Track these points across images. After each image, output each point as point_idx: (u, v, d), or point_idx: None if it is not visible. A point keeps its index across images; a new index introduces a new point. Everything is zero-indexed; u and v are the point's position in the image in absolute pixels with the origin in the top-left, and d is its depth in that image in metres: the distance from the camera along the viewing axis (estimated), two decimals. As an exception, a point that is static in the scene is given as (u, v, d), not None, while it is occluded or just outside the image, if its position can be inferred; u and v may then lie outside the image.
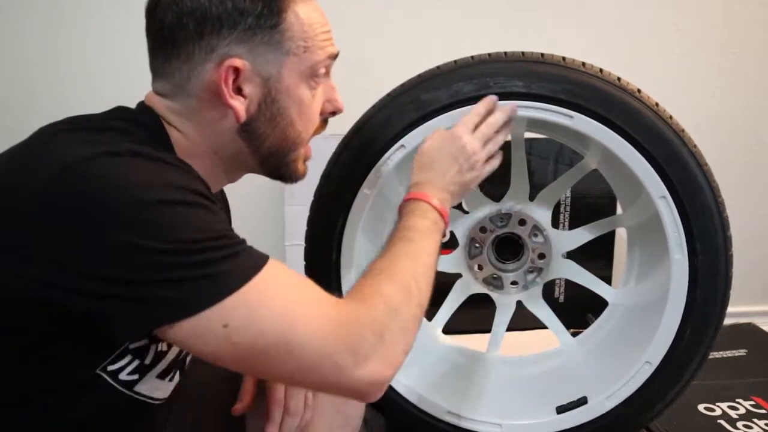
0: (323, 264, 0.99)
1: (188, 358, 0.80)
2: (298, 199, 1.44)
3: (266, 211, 1.60)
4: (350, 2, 1.54)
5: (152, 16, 0.69)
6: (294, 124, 0.73)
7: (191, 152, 0.70)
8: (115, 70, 1.51)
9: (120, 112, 0.70)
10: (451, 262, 1.11)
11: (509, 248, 1.10)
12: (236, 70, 0.67)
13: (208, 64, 0.67)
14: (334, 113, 0.78)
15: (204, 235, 0.58)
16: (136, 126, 0.67)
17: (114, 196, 0.55)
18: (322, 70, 0.74)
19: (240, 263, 0.59)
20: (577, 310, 1.48)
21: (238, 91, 0.69)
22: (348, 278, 0.99)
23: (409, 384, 1.01)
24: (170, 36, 0.67)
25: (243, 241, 0.62)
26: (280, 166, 0.76)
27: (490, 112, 0.87)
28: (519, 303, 1.12)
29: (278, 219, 1.55)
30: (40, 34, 1.50)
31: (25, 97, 1.51)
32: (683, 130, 0.90)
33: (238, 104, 0.69)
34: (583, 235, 1.08)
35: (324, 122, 0.78)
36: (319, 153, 1.39)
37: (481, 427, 1.00)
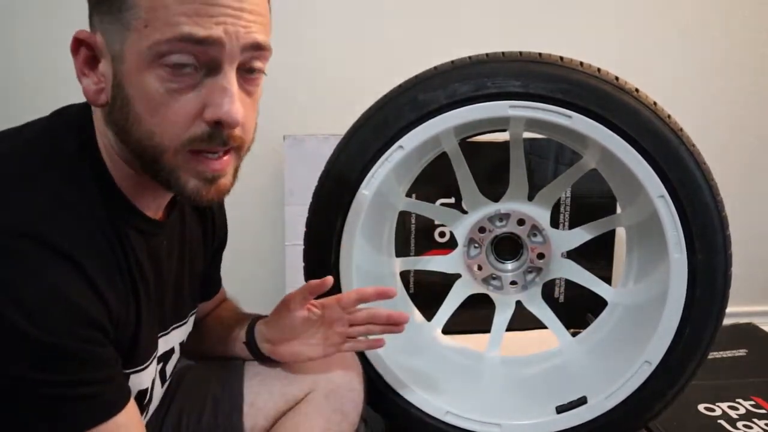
0: (322, 265, 0.99)
1: (167, 369, 0.81)
2: (298, 199, 1.45)
3: (266, 211, 1.60)
4: (349, 2, 1.54)
5: None
6: (141, 121, 0.58)
7: (113, 156, 0.63)
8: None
9: (52, 124, 0.65)
10: (450, 263, 1.11)
11: (508, 248, 1.10)
12: (80, 42, 0.59)
13: None
14: (218, 122, 0.58)
15: (47, 377, 0.54)
16: (59, 151, 0.61)
17: None
18: (174, 57, 0.56)
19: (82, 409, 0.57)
20: (577, 310, 1.47)
21: (94, 67, 0.60)
22: (347, 279, 0.99)
23: (409, 384, 1.01)
24: None
25: (101, 388, 0.59)
26: (160, 177, 0.61)
27: None
28: (518, 303, 1.12)
29: (278, 219, 1.55)
30: (33, 31, 1.50)
31: (19, 97, 1.51)
32: (681, 129, 0.90)
33: (86, 81, 0.60)
34: (582, 235, 1.08)
35: (211, 134, 0.59)
36: (318, 153, 1.41)
37: (480, 427, 1.00)
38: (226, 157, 0.62)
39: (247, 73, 0.61)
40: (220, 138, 0.59)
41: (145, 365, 0.70)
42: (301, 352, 0.87)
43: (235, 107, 0.58)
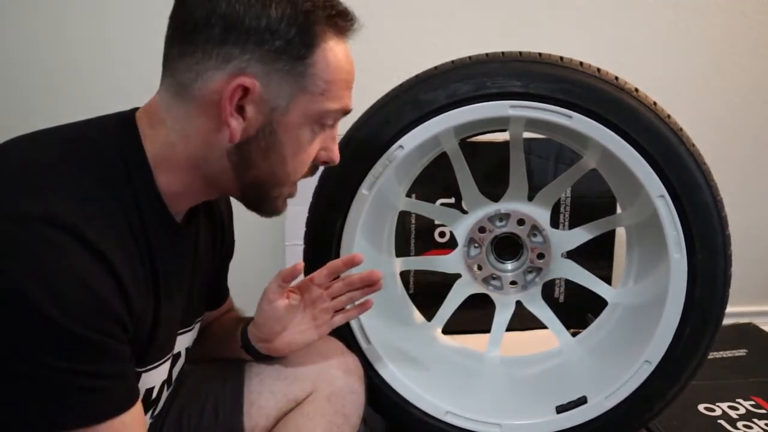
0: (322, 265, 0.98)
1: (173, 373, 0.81)
2: (298, 199, 1.43)
3: (266, 212, 1.60)
4: (350, 2, 1.54)
5: (182, 5, 0.65)
6: (285, 162, 0.69)
7: (172, 165, 0.67)
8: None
9: (91, 129, 0.67)
10: (450, 262, 1.11)
11: (508, 248, 1.10)
12: (245, 90, 0.64)
13: (220, 73, 0.63)
14: (326, 163, 0.75)
15: (64, 365, 0.55)
16: (98, 154, 0.64)
17: (7, 289, 0.53)
18: (330, 121, 0.71)
19: (93, 402, 0.58)
20: (577, 310, 1.47)
21: (240, 110, 0.65)
22: (347, 278, 0.99)
23: (409, 384, 1.01)
24: (193, 32, 0.63)
25: (114, 383, 0.60)
26: (261, 199, 0.73)
27: None
28: (518, 303, 1.12)
29: (278, 219, 1.54)
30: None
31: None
32: (681, 129, 0.90)
33: (235, 124, 0.65)
34: (582, 235, 1.08)
35: (314, 168, 0.75)
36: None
37: (480, 427, 1.00)
38: None
39: None
40: (314, 171, 0.76)
41: (158, 363, 0.71)
42: (295, 341, 0.88)
43: (338, 152, 0.75)
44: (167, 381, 0.78)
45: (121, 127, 0.67)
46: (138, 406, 0.63)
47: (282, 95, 0.65)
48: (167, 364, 0.75)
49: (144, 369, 0.69)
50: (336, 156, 0.75)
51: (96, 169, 0.63)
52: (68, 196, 0.59)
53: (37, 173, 0.60)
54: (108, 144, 0.65)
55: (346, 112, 0.72)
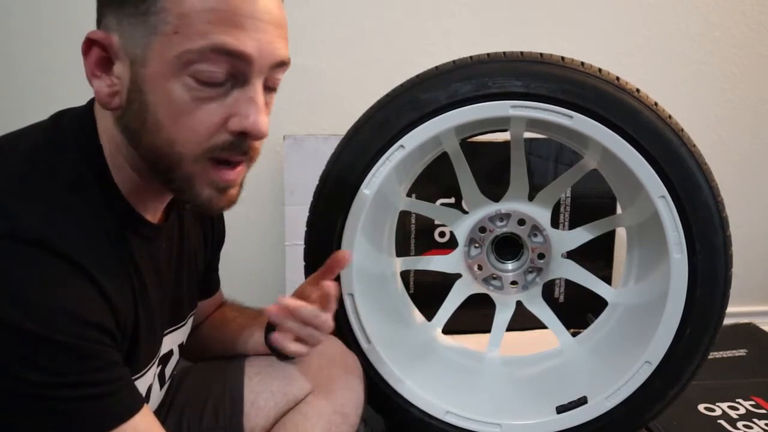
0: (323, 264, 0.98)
1: (167, 371, 0.80)
2: (298, 199, 1.45)
3: (266, 211, 1.60)
4: (350, 2, 1.54)
5: None
6: (161, 128, 0.57)
7: (118, 160, 0.63)
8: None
9: (54, 129, 0.63)
10: (450, 262, 1.11)
11: (509, 248, 1.10)
12: (92, 43, 0.58)
13: None
14: (243, 134, 0.59)
15: (60, 379, 0.53)
16: (62, 158, 0.60)
17: None
18: (203, 66, 0.55)
19: (101, 409, 0.56)
20: (577, 310, 1.48)
21: (107, 69, 0.58)
22: (347, 279, 0.99)
23: (409, 384, 1.01)
24: None
25: (116, 387, 0.58)
26: (174, 184, 0.61)
27: None
28: (519, 303, 1.12)
29: (278, 219, 1.55)
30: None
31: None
32: (682, 130, 0.90)
33: (98, 83, 0.59)
34: (582, 235, 1.08)
35: (235, 145, 0.59)
36: (318, 153, 1.41)
37: (480, 427, 1.00)
38: (239, 168, 0.63)
39: (267, 90, 0.62)
40: (241, 148, 0.60)
41: (143, 372, 0.69)
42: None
43: (261, 118, 0.59)
44: (160, 380, 0.78)
45: (79, 125, 0.63)
46: (147, 408, 0.62)
47: (137, 43, 0.56)
48: (155, 367, 0.74)
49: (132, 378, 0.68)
50: (253, 124, 0.58)
51: (62, 175, 0.59)
52: (36, 208, 0.56)
53: (1, 189, 0.57)
54: (69, 146, 0.61)
55: (222, 51, 0.55)
